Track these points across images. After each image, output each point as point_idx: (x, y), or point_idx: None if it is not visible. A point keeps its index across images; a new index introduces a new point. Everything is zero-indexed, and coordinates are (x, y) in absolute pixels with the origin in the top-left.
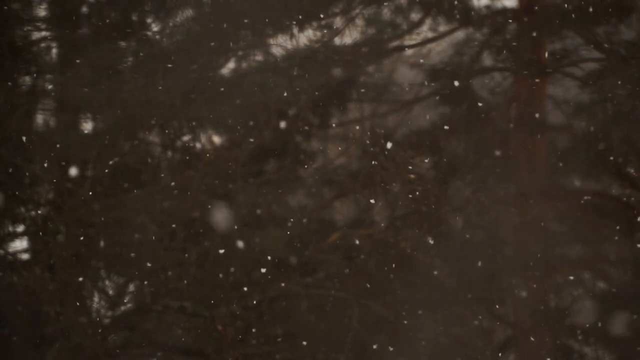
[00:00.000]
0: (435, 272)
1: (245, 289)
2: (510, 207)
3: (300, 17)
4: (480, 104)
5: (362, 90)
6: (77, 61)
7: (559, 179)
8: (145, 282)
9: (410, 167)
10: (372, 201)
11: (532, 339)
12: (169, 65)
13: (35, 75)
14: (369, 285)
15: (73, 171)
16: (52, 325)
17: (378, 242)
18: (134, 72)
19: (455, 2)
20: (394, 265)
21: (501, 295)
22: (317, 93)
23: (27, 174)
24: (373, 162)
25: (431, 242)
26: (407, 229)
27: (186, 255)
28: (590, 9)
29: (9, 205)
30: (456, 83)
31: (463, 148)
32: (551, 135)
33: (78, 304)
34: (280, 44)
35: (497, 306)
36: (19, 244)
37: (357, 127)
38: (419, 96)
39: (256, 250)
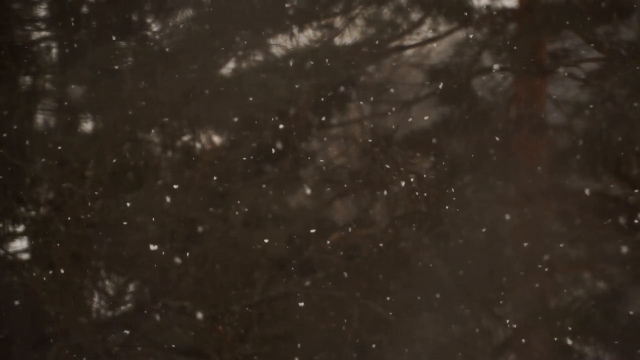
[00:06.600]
0: (435, 272)
1: (245, 289)
2: (510, 207)
3: (300, 17)
4: (480, 104)
5: (362, 91)
6: (77, 61)
7: (559, 179)
8: (146, 281)
9: (410, 167)
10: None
11: (532, 339)
12: (169, 65)
13: (35, 75)
14: (369, 286)
15: (73, 171)
16: (52, 325)
17: (378, 242)
18: (134, 72)
19: (455, 2)
20: (394, 266)
21: (501, 295)
22: (317, 93)
23: (27, 174)
24: (373, 162)
25: (431, 242)
26: (407, 229)
27: (186, 254)
28: (590, 9)
29: (9, 205)
30: (456, 83)
31: (463, 148)
32: (551, 135)
33: (78, 304)
34: (280, 44)
35: (497, 306)
36: (19, 244)
37: (357, 127)
38: (419, 96)
39: (256, 250)
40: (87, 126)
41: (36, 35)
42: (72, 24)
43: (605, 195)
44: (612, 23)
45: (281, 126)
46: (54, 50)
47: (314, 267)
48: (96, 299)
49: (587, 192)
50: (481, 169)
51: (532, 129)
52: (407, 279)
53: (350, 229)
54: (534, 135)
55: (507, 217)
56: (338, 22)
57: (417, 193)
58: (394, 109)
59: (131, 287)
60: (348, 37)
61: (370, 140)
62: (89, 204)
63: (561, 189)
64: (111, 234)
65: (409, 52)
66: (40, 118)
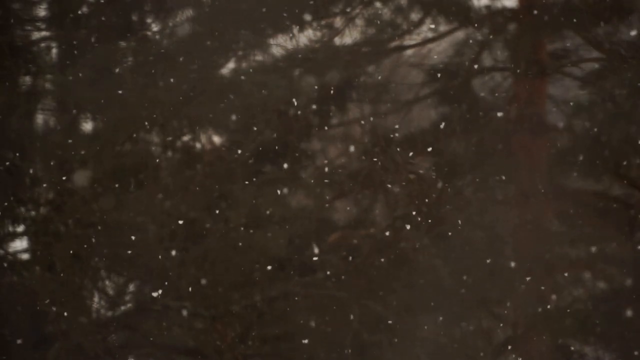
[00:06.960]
0: (435, 272)
1: (245, 289)
2: (510, 207)
3: (300, 17)
4: (480, 104)
5: (362, 91)
6: (77, 61)
7: (559, 179)
8: (146, 281)
9: (410, 167)
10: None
11: (532, 339)
12: (169, 65)
13: (35, 75)
14: (369, 286)
15: (73, 171)
16: (52, 325)
17: (378, 242)
18: (134, 72)
19: (455, 2)
20: (394, 266)
21: (501, 295)
22: (317, 93)
23: (27, 174)
24: (373, 162)
25: (431, 242)
26: (407, 229)
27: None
28: (590, 9)
29: (9, 205)
30: (456, 83)
31: (463, 148)
32: (551, 135)
33: (78, 304)
34: (280, 44)
35: (497, 306)
36: (19, 244)
37: (357, 127)
38: (419, 96)
39: (256, 250)
40: (87, 126)
41: (36, 35)
42: (72, 24)
43: (605, 195)
44: (612, 23)
45: (281, 126)
46: (54, 50)
47: (314, 267)
48: (96, 299)
49: (587, 192)
50: (481, 169)
51: (532, 129)
52: (407, 279)
53: (350, 229)
54: (534, 135)
55: (507, 217)
56: (338, 22)
57: (417, 193)
58: (394, 109)
59: (131, 287)
60: (348, 37)
61: (370, 140)
62: (89, 204)
63: (561, 189)
64: (111, 234)
65: (409, 52)
66: (40, 118)
